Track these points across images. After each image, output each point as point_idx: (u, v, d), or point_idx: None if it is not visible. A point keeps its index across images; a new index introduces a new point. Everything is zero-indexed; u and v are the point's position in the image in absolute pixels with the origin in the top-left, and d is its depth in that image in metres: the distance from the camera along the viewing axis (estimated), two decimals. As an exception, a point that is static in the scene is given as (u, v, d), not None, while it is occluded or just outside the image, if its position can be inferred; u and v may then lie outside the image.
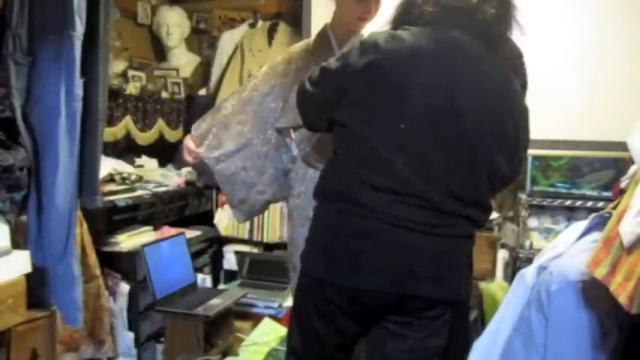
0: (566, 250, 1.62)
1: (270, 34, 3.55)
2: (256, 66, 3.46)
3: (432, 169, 1.27)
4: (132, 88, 3.24)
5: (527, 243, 2.93)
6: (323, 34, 1.88)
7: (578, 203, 2.90)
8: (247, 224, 3.22)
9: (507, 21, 1.34)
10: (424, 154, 1.27)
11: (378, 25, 1.44)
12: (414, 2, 1.35)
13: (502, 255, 2.88)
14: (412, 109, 1.27)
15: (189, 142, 1.97)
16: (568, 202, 2.92)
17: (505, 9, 1.33)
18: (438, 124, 1.27)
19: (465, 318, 1.49)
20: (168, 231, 2.91)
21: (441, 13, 1.31)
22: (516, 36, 1.38)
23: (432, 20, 1.31)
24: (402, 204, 1.28)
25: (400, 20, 1.38)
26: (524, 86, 1.42)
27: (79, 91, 1.92)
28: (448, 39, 1.30)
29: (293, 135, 1.85)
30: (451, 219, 1.31)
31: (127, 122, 3.12)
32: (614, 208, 1.53)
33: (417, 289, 1.30)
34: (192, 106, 3.58)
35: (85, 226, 2.30)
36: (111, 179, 2.86)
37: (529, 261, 2.39)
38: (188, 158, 1.99)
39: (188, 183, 3.27)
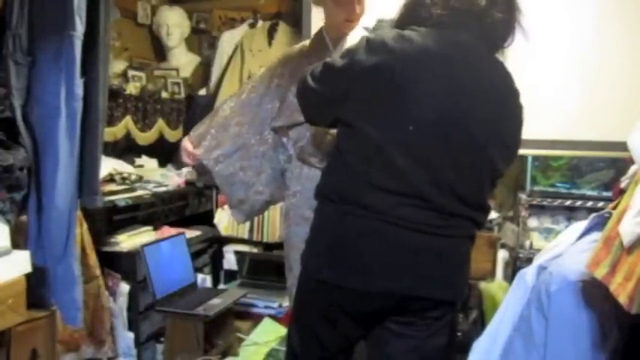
0: (566, 250, 1.62)
1: (270, 34, 3.55)
2: (256, 66, 3.46)
3: (439, 172, 1.27)
4: (132, 88, 3.24)
5: (527, 243, 2.93)
6: (319, 35, 1.89)
7: (578, 203, 2.90)
8: (247, 224, 3.22)
9: (512, 25, 1.34)
10: (431, 157, 1.27)
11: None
12: (421, 3, 1.33)
13: (502, 255, 2.88)
14: (420, 112, 1.26)
15: (187, 144, 1.98)
16: (568, 202, 2.92)
17: (511, 14, 1.33)
18: (445, 126, 1.26)
19: (456, 316, 1.50)
20: (168, 231, 2.91)
21: (450, 16, 1.30)
22: (520, 40, 1.37)
23: (441, 22, 1.30)
24: (407, 206, 1.27)
25: (406, 20, 1.37)
26: None
27: (79, 91, 1.91)
28: (456, 42, 1.29)
29: (290, 134, 1.86)
30: (457, 221, 1.31)
31: (127, 122, 3.11)
32: (614, 208, 1.53)
33: (424, 290, 1.31)
34: (192, 106, 3.58)
35: (85, 226, 2.30)
36: (111, 179, 2.86)
37: (529, 261, 2.38)
38: (187, 160, 2.00)
39: (188, 183, 3.27)
